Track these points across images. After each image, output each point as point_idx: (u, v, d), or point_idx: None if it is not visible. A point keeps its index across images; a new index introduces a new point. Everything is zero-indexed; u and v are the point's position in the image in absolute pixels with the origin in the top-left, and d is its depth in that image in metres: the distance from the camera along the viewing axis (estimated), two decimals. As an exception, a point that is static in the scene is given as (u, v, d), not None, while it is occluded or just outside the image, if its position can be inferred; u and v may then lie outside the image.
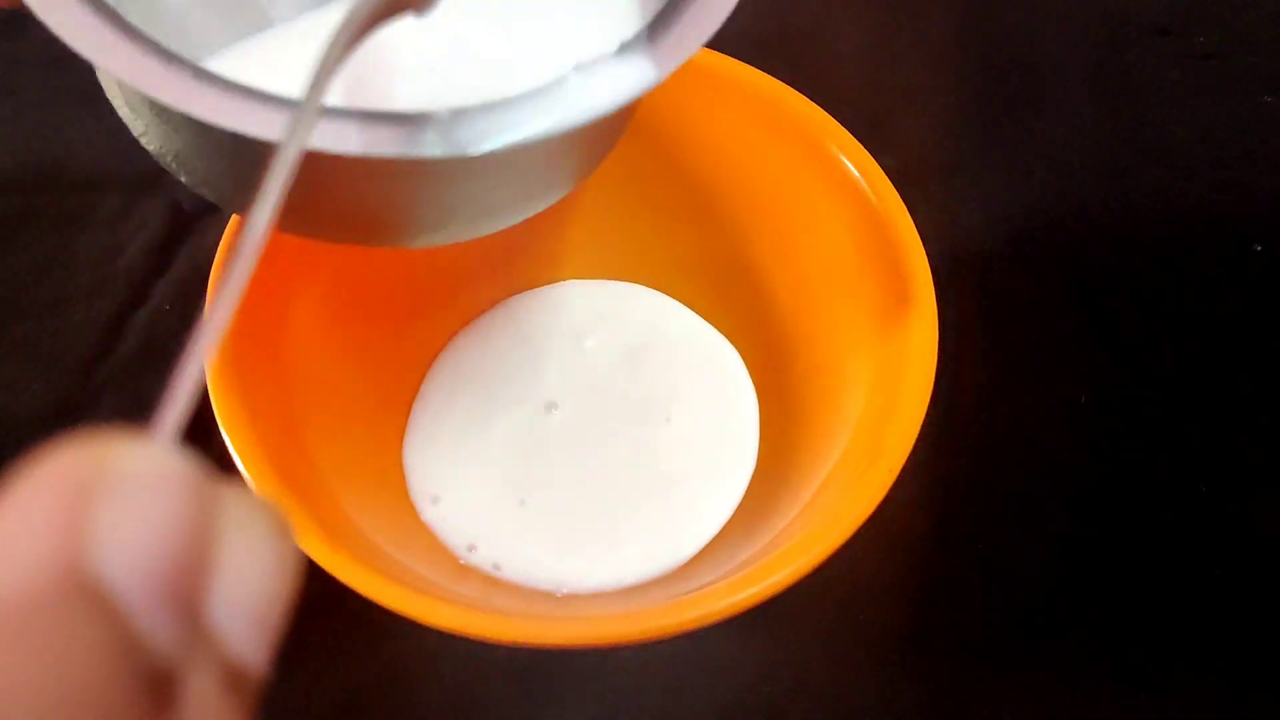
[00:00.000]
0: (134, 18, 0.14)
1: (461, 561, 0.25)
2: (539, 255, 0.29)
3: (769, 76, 0.25)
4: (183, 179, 0.17)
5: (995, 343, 0.30)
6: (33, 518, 0.08)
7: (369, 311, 0.26)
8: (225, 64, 0.17)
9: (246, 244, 0.11)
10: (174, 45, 0.14)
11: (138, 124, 0.17)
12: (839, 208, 0.24)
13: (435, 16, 0.15)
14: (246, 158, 0.14)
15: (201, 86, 0.14)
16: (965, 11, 0.39)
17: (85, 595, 0.08)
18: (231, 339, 0.21)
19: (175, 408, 0.10)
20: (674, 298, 0.30)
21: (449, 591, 0.20)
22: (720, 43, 0.25)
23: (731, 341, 0.29)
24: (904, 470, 0.19)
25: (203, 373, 0.11)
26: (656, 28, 0.15)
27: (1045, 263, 0.32)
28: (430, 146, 0.14)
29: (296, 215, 0.14)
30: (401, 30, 0.15)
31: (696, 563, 0.25)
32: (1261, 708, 0.24)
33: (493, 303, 0.29)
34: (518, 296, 0.30)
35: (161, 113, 0.16)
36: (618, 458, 0.27)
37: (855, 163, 0.23)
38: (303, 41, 0.17)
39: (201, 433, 0.28)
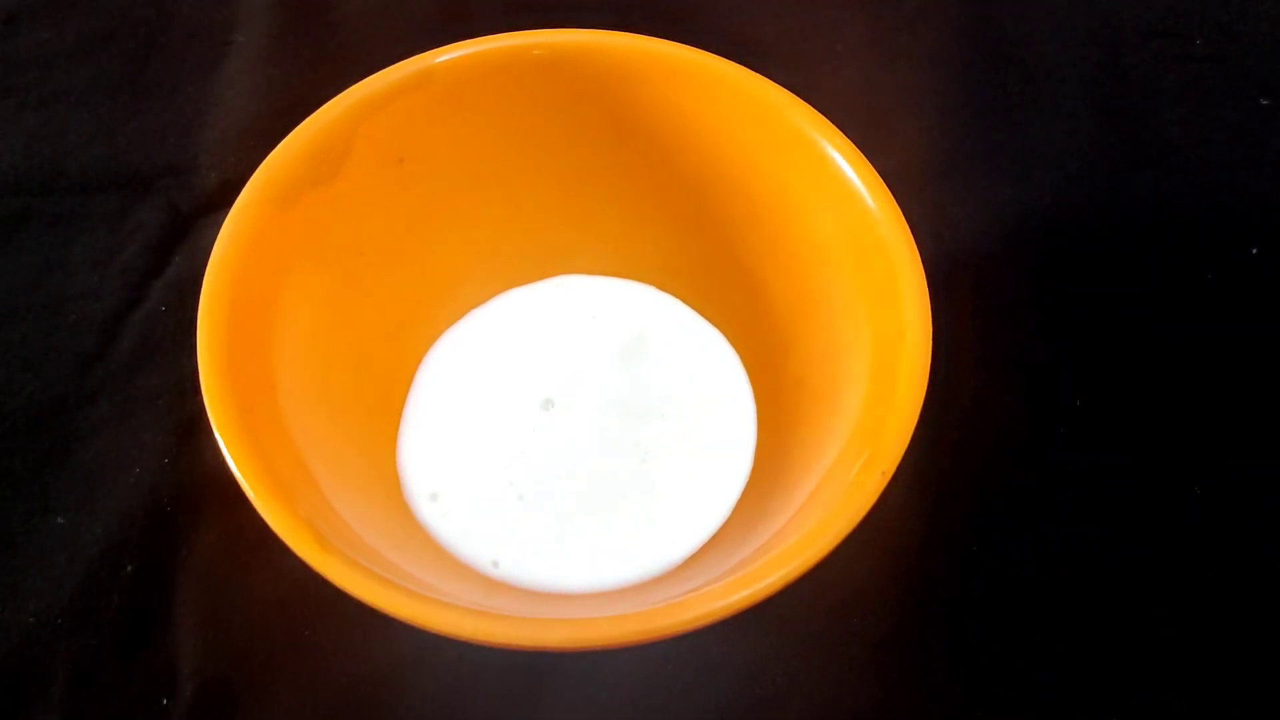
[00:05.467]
0: None
1: (459, 559, 0.25)
2: (533, 252, 0.30)
3: (764, 79, 0.25)
4: None
5: (990, 345, 0.30)
6: None
7: (362, 310, 0.26)
8: None
9: None
10: None
11: None
12: (834, 210, 0.24)
13: None
14: None
15: None
16: (962, 13, 0.39)
17: None
18: (224, 339, 0.21)
19: None
20: (670, 295, 0.30)
21: (443, 593, 0.19)
22: (717, 45, 0.26)
23: (728, 342, 0.29)
24: (898, 472, 0.19)
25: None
26: None
27: (1040, 265, 0.32)
28: None
29: None
30: None
31: (692, 563, 0.25)
32: (1259, 709, 0.24)
33: (486, 299, 0.30)
34: (511, 292, 0.30)
35: None
36: (615, 455, 0.27)
37: (850, 165, 0.23)
38: None
39: (194, 435, 0.29)
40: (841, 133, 0.24)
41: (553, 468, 0.26)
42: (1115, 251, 0.32)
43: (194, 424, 0.28)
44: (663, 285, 0.30)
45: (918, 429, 0.20)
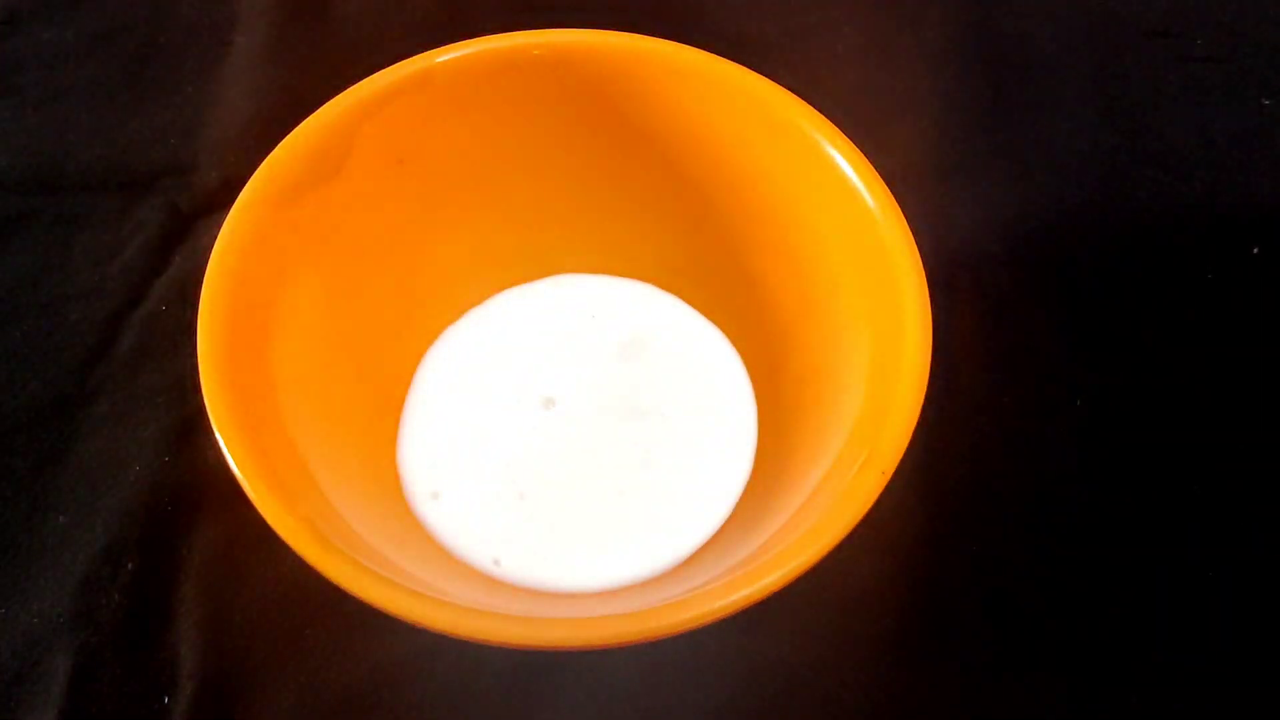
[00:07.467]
0: None
1: (459, 558, 0.25)
2: (533, 251, 0.30)
3: (765, 79, 0.25)
4: None
5: (989, 345, 0.30)
6: None
7: (362, 309, 0.26)
8: None
9: None
10: None
11: None
12: (834, 210, 0.24)
13: None
14: None
15: None
16: (963, 13, 0.39)
17: None
18: (224, 339, 0.21)
19: None
20: (670, 294, 0.30)
21: (443, 592, 0.20)
22: (717, 45, 0.26)
23: (728, 341, 0.29)
24: (897, 472, 0.19)
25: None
26: None
27: (1041, 265, 0.32)
28: None
29: None
30: None
31: (692, 563, 0.25)
32: (1259, 708, 0.24)
33: (486, 298, 0.30)
34: (511, 291, 0.30)
35: None
36: (615, 454, 0.27)
37: (851, 165, 0.23)
38: None
39: (194, 434, 0.29)
40: (841, 133, 0.24)
41: (553, 467, 0.26)
42: (1115, 251, 0.32)
43: (194, 423, 0.28)
44: (663, 284, 0.30)
45: (918, 429, 0.20)
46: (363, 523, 0.21)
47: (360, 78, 0.25)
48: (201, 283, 0.21)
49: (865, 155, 0.23)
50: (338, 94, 0.24)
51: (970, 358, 0.29)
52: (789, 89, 0.25)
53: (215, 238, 0.22)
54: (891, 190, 0.23)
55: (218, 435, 0.19)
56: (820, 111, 0.24)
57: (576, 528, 0.25)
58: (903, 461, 0.19)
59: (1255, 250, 0.32)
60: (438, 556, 0.25)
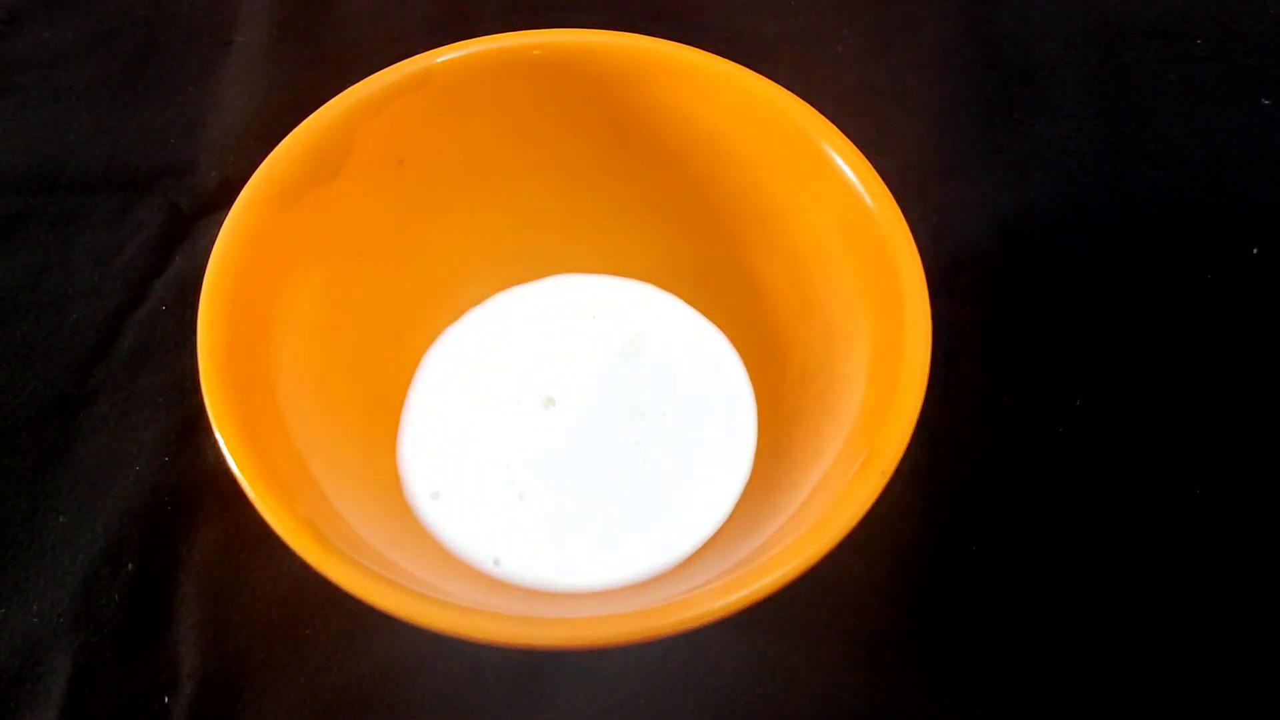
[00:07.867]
0: None
1: (459, 558, 0.25)
2: (533, 251, 0.30)
3: (765, 79, 0.25)
4: None
5: (989, 345, 0.30)
6: None
7: (362, 309, 0.26)
8: None
9: None
10: None
11: None
12: (834, 210, 0.24)
13: None
14: None
15: None
16: (963, 14, 0.39)
17: None
18: (224, 339, 0.21)
19: None
20: (670, 295, 0.30)
21: (442, 592, 0.20)
22: (717, 45, 0.26)
23: (728, 341, 0.29)
24: (897, 472, 0.19)
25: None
26: None
27: (1040, 266, 0.32)
28: None
29: None
30: None
31: (692, 563, 0.25)
32: (1259, 709, 0.24)
33: (486, 298, 0.30)
34: (511, 291, 0.30)
35: None
36: (615, 454, 0.27)
37: (850, 166, 0.23)
38: None
39: (195, 434, 0.29)
40: (841, 133, 0.24)
41: (553, 466, 0.26)
42: (1115, 251, 0.32)
43: (194, 423, 0.28)
44: (663, 285, 0.30)
45: (917, 429, 0.20)
46: (362, 522, 0.21)
47: (359, 77, 0.25)
48: (201, 283, 0.21)
49: (865, 155, 0.23)
50: (337, 94, 0.24)
51: (970, 358, 0.29)
52: (789, 89, 0.25)
53: (214, 238, 0.22)
54: (891, 190, 0.23)
55: (218, 435, 0.19)
56: (820, 111, 0.24)
57: (576, 528, 0.25)
58: (903, 461, 0.19)
59: (1255, 250, 0.32)
60: (438, 556, 0.25)
